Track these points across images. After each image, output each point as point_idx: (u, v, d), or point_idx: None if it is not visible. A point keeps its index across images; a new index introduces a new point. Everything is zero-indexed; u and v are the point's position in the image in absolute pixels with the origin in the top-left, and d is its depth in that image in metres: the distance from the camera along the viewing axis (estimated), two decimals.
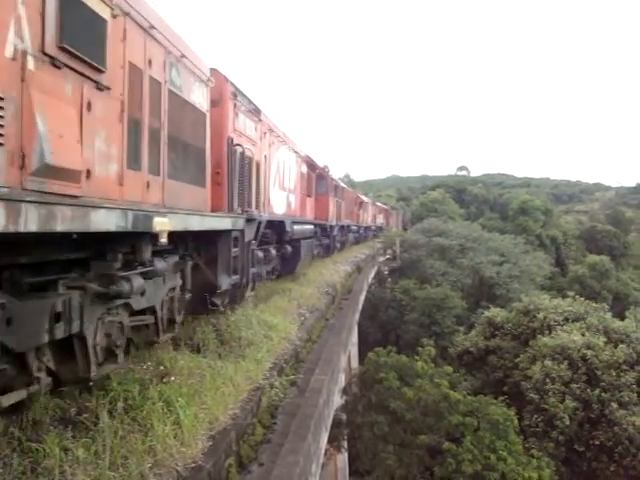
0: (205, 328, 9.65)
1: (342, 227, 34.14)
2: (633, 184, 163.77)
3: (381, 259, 50.26)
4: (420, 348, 23.11)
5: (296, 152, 18.88)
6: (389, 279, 52.88)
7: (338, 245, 33.24)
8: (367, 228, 54.12)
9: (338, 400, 19.04)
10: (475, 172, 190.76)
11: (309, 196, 22.26)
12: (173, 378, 6.84)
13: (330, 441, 18.15)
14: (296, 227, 18.42)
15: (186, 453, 5.61)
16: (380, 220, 67.91)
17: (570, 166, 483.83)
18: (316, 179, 24.55)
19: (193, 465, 5.57)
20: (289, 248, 18.01)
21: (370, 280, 39.90)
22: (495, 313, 33.10)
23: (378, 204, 71.45)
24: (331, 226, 28.40)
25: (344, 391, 20.05)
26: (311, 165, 23.07)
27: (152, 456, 5.30)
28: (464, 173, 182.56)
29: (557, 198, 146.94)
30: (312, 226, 22.05)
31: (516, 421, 20.77)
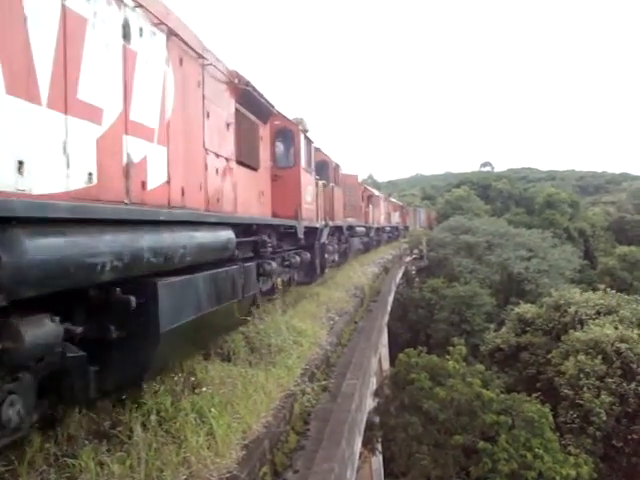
0: (235, 336, 9.68)
1: (338, 229, 22.77)
2: None
3: (408, 259, 50.07)
4: (451, 347, 22.97)
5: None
6: (417, 279, 52.74)
7: (334, 259, 21.86)
8: (380, 230, 43.16)
9: (370, 403, 19.02)
10: (499, 167, 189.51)
11: (242, 164, 10.36)
12: (205, 388, 6.86)
13: (364, 444, 18.12)
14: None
15: (220, 463, 5.60)
16: (396, 219, 57.39)
17: (595, 157, 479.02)
18: (274, 135, 13.84)
19: (228, 475, 5.56)
20: None
21: (398, 280, 39.66)
22: (525, 309, 32.80)
23: (392, 200, 60.81)
24: (313, 229, 16.17)
25: (376, 393, 19.99)
26: (247, 96, 10.50)
27: (187, 467, 5.31)
28: (488, 169, 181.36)
29: (583, 190, 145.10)
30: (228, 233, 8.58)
31: (551, 418, 20.53)
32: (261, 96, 11.32)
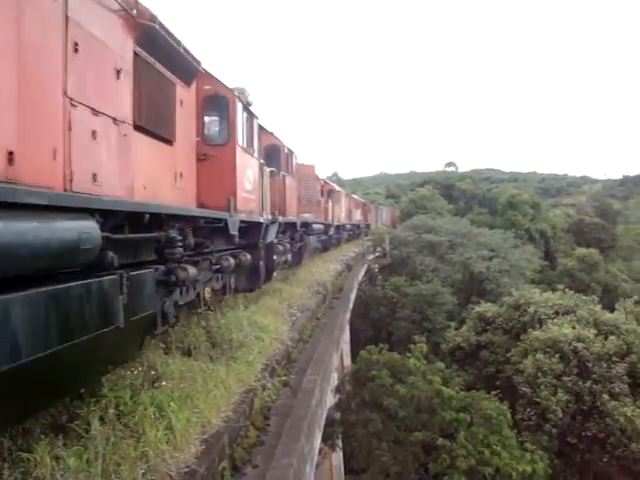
0: (196, 330, 9.63)
1: (291, 226, 20.22)
2: (619, 176, 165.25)
3: (371, 257, 50.22)
4: (412, 345, 23.12)
5: None
6: (379, 276, 52.93)
7: (286, 259, 19.18)
8: (340, 228, 40.68)
9: (331, 399, 19.07)
10: (463, 167, 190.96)
11: (144, 132, 7.86)
12: (164, 383, 6.82)
13: (324, 440, 18.16)
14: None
15: (179, 458, 5.59)
16: (357, 217, 55.38)
17: (557, 160, 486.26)
18: (202, 103, 11.17)
19: (187, 470, 5.55)
20: None
21: (360, 278, 39.73)
22: (486, 308, 33.20)
23: (354, 196, 58.71)
24: (255, 225, 13.63)
25: (337, 389, 20.04)
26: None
27: (145, 462, 5.29)
28: (452, 169, 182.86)
29: (545, 192, 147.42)
30: (81, 225, 5.39)
31: (509, 415, 20.82)
32: (177, 43, 8.64)
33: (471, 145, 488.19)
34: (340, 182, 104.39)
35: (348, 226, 47.04)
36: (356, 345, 30.11)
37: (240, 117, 12.01)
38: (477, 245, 56.08)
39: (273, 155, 18.73)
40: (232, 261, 11.25)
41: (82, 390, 6.16)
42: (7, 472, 4.79)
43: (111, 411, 5.76)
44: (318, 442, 10.20)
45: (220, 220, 10.43)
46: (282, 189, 18.81)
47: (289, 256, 19.69)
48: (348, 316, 25.96)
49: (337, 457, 22.58)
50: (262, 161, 14.88)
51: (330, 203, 34.50)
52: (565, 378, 24.02)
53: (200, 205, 10.51)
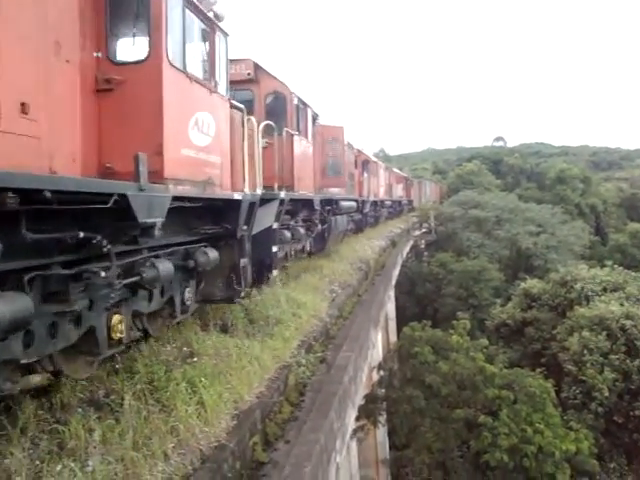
0: (234, 307, 9.76)
1: (305, 204, 16.43)
2: None
3: (417, 233, 49.95)
4: (455, 322, 23.00)
5: None
6: (426, 253, 52.67)
7: (303, 247, 17.11)
8: (377, 205, 36.58)
9: (375, 375, 19.16)
10: (512, 142, 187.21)
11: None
12: (196, 359, 6.95)
13: (367, 416, 18.29)
14: None
15: (209, 432, 5.72)
16: (399, 192, 51.18)
17: (609, 132, 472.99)
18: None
19: (216, 444, 5.67)
20: None
21: (405, 255, 39.53)
22: (532, 284, 32.73)
23: (395, 170, 53.19)
24: (225, 205, 9.04)
25: (380, 366, 20.09)
26: None
27: (175, 436, 5.42)
28: (501, 144, 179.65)
29: (596, 165, 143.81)
30: None
31: (553, 393, 20.56)
32: None
33: (520, 119, 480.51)
34: (387, 158, 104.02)
35: (388, 202, 43.22)
36: (402, 322, 30.05)
37: (167, 9, 6.89)
38: (524, 221, 55.24)
39: (277, 107, 14.61)
40: (166, 267, 6.81)
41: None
42: (44, 443, 4.99)
43: (141, 386, 5.92)
44: (352, 419, 10.29)
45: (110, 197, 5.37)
46: (289, 154, 14.22)
47: (307, 243, 17.19)
48: (392, 293, 25.93)
49: (382, 433, 22.68)
50: (241, 107, 10.01)
51: (365, 176, 30.77)
52: (612, 356, 23.57)
53: (102, 170, 6.46)
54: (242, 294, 9.43)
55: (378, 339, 19.41)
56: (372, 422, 19.58)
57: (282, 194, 12.70)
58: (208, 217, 8.70)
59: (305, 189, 15.79)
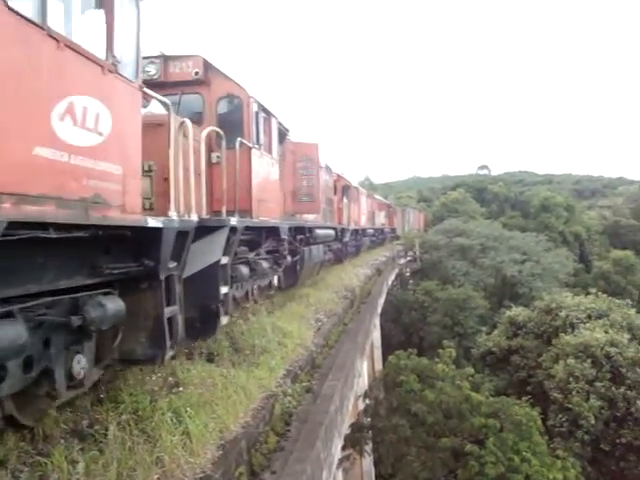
0: (219, 337, 9.72)
1: (269, 232, 13.52)
2: None
3: (402, 261, 50.03)
4: (441, 350, 22.98)
5: None
6: (411, 281, 52.74)
7: (269, 282, 14.82)
8: (359, 233, 34.77)
9: (360, 404, 19.05)
10: (496, 170, 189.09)
11: None
12: (181, 388, 6.91)
13: (353, 445, 18.15)
14: None
15: (195, 463, 5.66)
16: (381, 220, 49.92)
17: (592, 161, 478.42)
18: None
19: (202, 475, 5.61)
20: None
21: (390, 283, 39.57)
22: (517, 312, 32.84)
23: (377, 197, 51.93)
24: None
25: (366, 395, 20.00)
26: None
27: (160, 467, 5.36)
28: (485, 172, 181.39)
29: (580, 194, 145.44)
30: None
31: (540, 421, 20.52)
32: None
33: (504, 148, 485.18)
34: (372, 186, 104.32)
35: (370, 231, 41.77)
36: (387, 350, 29.97)
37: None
38: (509, 249, 55.59)
39: (232, 115, 11.78)
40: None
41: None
42: (26, 476, 4.92)
43: (127, 416, 5.87)
44: (338, 448, 10.21)
45: None
46: (245, 172, 11.12)
47: (274, 278, 15.10)
48: (376, 321, 25.90)
49: (368, 462, 22.51)
50: (166, 101, 7.70)
51: (346, 202, 28.70)
52: (598, 384, 23.59)
53: None
54: (170, 353, 7.18)
55: (364, 367, 19.34)
56: (358, 451, 19.41)
57: (233, 221, 9.61)
58: (127, 251, 6.53)
59: (268, 215, 12.91)
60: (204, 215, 8.59)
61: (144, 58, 8.24)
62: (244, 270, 11.26)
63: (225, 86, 11.59)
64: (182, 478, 5.41)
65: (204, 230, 8.52)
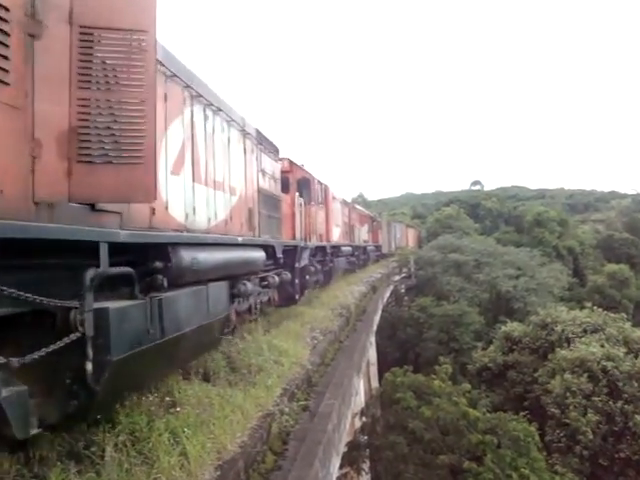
0: (216, 356, 9.69)
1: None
2: None
3: (397, 278, 50.01)
4: (437, 366, 22.97)
5: None
6: (406, 297, 52.71)
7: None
8: (327, 252, 23.36)
9: (357, 422, 18.97)
10: (489, 186, 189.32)
11: None
12: (178, 408, 6.87)
13: (350, 464, 18.06)
14: None
15: None
16: (363, 236, 41.13)
17: (585, 175, 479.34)
18: None
19: None
20: None
21: (385, 300, 39.47)
22: (512, 328, 32.86)
23: (358, 207, 42.90)
24: None
25: (362, 413, 19.94)
26: None
27: None
28: (478, 187, 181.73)
29: (573, 208, 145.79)
30: None
31: (537, 437, 20.52)
32: None
33: (497, 163, 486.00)
34: (366, 203, 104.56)
35: (346, 249, 30.21)
36: (384, 367, 29.94)
37: None
38: (503, 264, 55.66)
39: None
40: None
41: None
42: None
43: (124, 438, 5.82)
44: (336, 467, 10.16)
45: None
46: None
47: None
48: (372, 338, 25.84)
49: None
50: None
51: (301, 203, 18.50)
52: (595, 398, 23.61)
53: None
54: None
55: (360, 385, 19.27)
56: (356, 470, 19.34)
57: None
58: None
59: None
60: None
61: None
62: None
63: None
64: None
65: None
